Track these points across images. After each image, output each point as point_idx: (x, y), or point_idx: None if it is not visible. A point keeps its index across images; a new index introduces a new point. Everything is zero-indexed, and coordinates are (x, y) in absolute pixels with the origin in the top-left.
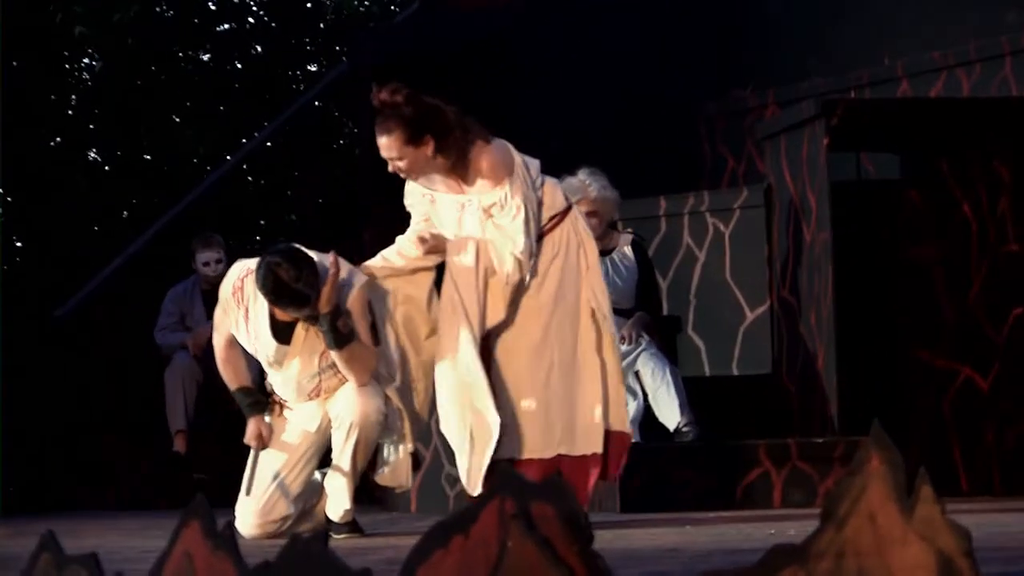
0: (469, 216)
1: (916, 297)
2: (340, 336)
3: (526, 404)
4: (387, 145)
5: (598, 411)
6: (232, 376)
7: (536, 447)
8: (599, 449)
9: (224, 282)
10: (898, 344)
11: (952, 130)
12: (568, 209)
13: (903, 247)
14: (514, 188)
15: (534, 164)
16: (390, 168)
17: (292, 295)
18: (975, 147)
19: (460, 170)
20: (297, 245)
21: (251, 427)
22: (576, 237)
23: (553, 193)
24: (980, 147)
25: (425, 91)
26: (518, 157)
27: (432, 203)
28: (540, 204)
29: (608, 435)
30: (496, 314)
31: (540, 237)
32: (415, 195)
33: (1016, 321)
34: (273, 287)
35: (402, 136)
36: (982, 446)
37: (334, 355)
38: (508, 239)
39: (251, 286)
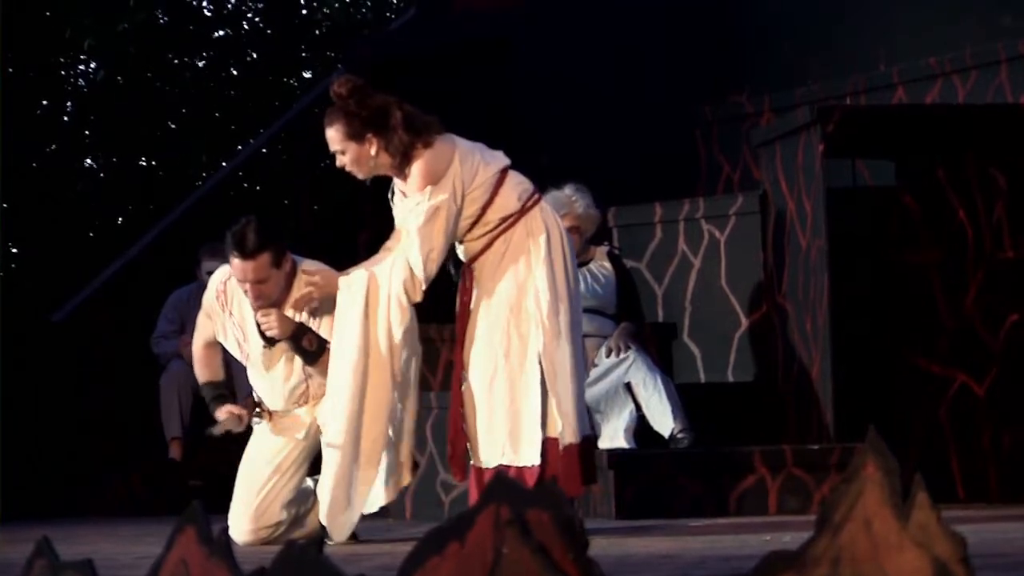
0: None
1: (912, 303)
2: (308, 353)
3: (470, 410)
4: (330, 137)
5: (538, 419)
6: (204, 371)
7: (480, 457)
8: (537, 461)
9: (208, 288)
10: (894, 350)
11: (948, 137)
12: (523, 210)
13: (899, 253)
14: (434, 194)
15: (493, 164)
16: (337, 163)
17: (246, 235)
18: (971, 153)
19: (404, 172)
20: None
21: (222, 411)
22: (528, 239)
23: (508, 194)
24: (976, 153)
25: (382, 89)
26: (459, 163)
27: (394, 205)
28: (488, 204)
29: (545, 443)
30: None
31: (490, 243)
32: (392, 194)
33: (1012, 327)
34: (240, 227)
35: (343, 130)
36: (978, 452)
37: (311, 369)
38: (410, 241)
39: (233, 286)
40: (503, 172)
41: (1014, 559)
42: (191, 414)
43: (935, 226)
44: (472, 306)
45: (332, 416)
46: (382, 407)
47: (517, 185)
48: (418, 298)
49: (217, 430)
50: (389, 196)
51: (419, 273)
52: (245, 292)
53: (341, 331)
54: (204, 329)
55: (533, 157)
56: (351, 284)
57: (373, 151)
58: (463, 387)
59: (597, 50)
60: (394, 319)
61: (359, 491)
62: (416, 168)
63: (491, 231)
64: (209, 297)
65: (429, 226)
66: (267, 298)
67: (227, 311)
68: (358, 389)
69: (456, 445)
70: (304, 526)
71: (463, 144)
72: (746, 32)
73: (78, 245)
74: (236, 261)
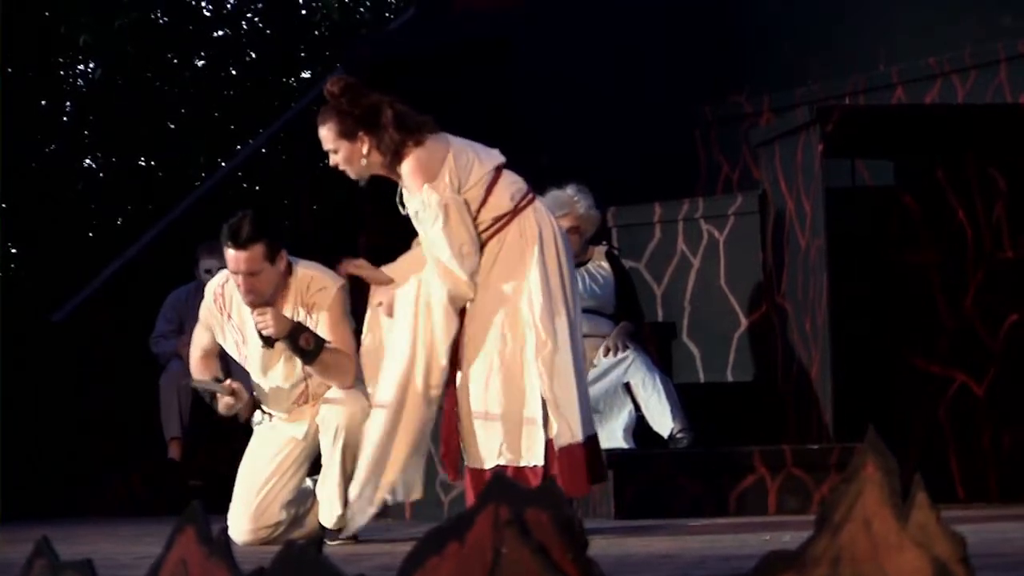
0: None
1: (912, 303)
2: (305, 352)
3: (465, 411)
4: (323, 136)
5: (539, 420)
6: (202, 375)
7: (476, 457)
8: (540, 461)
9: (205, 295)
10: (893, 350)
11: (947, 136)
12: (516, 210)
13: (899, 253)
14: (434, 192)
15: (487, 162)
16: (331, 162)
17: (241, 225)
18: (971, 153)
19: (396, 171)
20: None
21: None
22: (521, 240)
23: (501, 193)
24: (976, 153)
25: (379, 89)
26: (453, 159)
27: (403, 209)
28: (482, 204)
29: (548, 444)
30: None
31: (484, 244)
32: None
33: (1012, 327)
34: (236, 219)
35: (335, 128)
36: (978, 452)
37: (310, 369)
38: (434, 247)
39: (231, 289)
40: (497, 170)
41: (1014, 559)
42: (191, 414)
43: (935, 226)
44: (467, 306)
45: (371, 421)
46: (418, 418)
47: (511, 184)
48: (470, 294)
49: (197, 384)
50: (398, 200)
51: (459, 272)
52: (238, 286)
53: (392, 344)
54: (200, 339)
55: (533, 157)
56: (403, 295)
57: (365, 150)
58: (458, 387)
59: (597, 50)
60: (440, 331)
61: (380, 492)
62: (408, 167)
63: (484, 231)
64: (207, 303)
65: (448, 225)
66: (259, 294)
67: (225, 314)
68: (399, 401)
69: (449, 444)
70: (303, 526)
71: (457, 142)
72: (746, 32)
73: (78, 245)
74: (230, 251)
